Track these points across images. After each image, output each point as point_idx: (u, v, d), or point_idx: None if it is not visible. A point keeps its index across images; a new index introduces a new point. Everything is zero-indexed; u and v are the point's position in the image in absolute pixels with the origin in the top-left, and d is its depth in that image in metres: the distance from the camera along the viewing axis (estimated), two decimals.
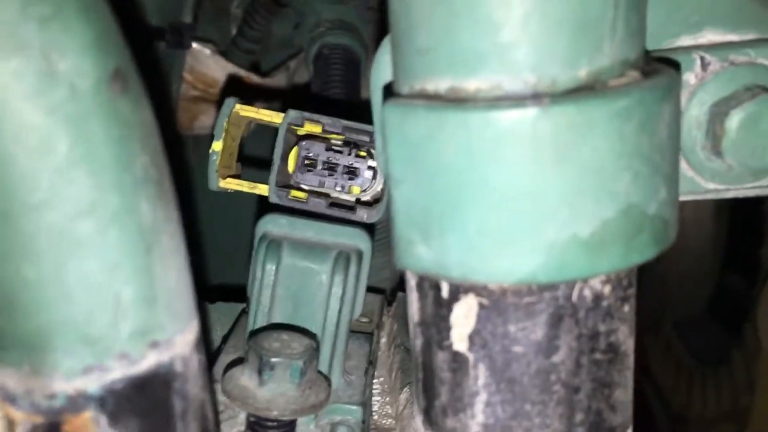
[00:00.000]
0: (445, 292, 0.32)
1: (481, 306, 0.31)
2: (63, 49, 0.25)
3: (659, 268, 1.51)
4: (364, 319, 0.61)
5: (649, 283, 1.54)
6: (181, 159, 0.99)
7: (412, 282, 0.34)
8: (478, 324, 0.32)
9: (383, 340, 0.65)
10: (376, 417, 0.59)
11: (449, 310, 0.32)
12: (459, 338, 0.32)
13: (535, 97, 0.28)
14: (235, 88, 0.97)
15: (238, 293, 0.61)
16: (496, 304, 0.31)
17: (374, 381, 0.60)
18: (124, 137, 0.27)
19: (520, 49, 0.28)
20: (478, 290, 0.31)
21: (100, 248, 0.27)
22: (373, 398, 0.60)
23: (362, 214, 0.52)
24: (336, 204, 0.53)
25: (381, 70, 0.34)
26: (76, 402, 0.28)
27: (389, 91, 0.33)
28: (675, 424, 1.50)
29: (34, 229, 0.26)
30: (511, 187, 0.28)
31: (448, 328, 0.33)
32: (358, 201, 0.53)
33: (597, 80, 0.28)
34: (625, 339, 0.33)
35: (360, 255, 0.50)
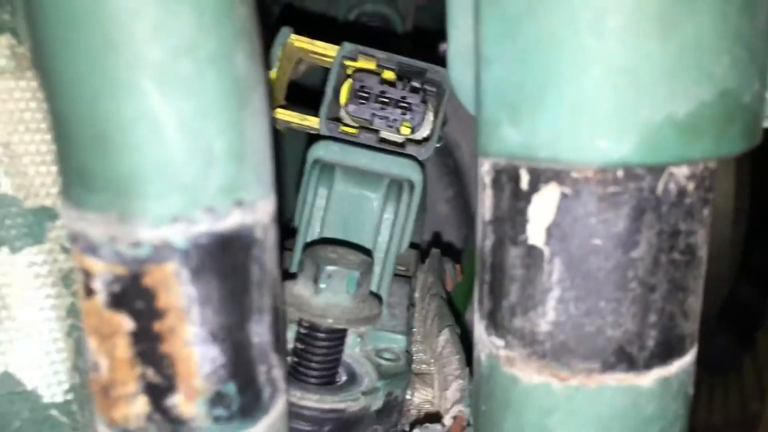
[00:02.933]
0: (524, 183, 0.32)
1: (563, 195, 0.31)
2: None
3: None
4: (402, 268, 0.61)
5: None
6: None
7: (486, 179, 0.34)
8: (558, 215, 0.31)
9: (416, 294, 0.65)
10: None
11: (528, 201, 0.32)
12: (536, 231, 0.32)
13: None
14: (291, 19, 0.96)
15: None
16: (579, 193, 0.31)
17: None
18: None
19: None
20: (561, 178, 0.31)
21: (198, 91, 0.26)
22: None
23: (412, 150, 0.52)
24: (385, 140, 0.53)
25: None
26: (161, 252, 0.27)
27: None
28: None
29: (135, 63, 0.25)
30: (610, 61, 0.28)
31: (525, 222, 0.32)
32: (408, 140, 0.53)
33: None
34: (702, 244, 0.33)
35: (411, 185, 0.50)
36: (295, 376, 0.43)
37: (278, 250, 0.32)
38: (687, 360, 0.34)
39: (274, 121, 0.33)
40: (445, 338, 0.53)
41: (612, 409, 0.33)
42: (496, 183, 0.33)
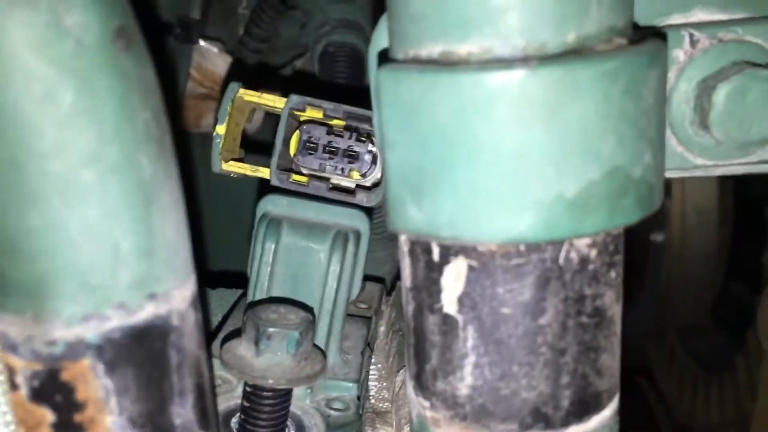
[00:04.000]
0: (436, 255, 0.33)
1: (471, 268, 0.32)
2: (70, 4, 0.26)
3: (663, 275, 1.51)
4: (364, 305, 0.62)
5: (652, 290, 1.55)
6: (186, 156, 1.01)
7: (404, 248, 0.35)
8: (468, 286, 0.32)
9: (381, 328, 0.66)
10: (373, 401, 0.59)
11: (440, 273, 0.33)
12: (449, 301, 0.33)
13: (524, 60, 0.29)
14: (239, 75, 0.98)
15: (240, 280, 0.62)
16: (485, 266, 0.32)
17: (372, 367, 0.61)
18: (127, 92, 0.28)
19: (510, 14, 0.29)
20: (468, 252, 0.32)
21: (102, 198, 0.28)
22: (371, 383, 0.60)
23: (362, 198, 0.53)
24: (336, 188, 0.54)
25: (378, 39, 0.35)
26: (75, 349, 0.29)
27: (384, 57, 0.34)
28: None
29: (39, 177, 0.27)
30: (500, 147, 0.29)
31: (439, 291, 0.33)
32: (358, 186, 0.54)
33: (584, 45, 0.29)
34: (612, 305, 0.34)
35: (358, 235, 0.51)
36: None
37: (200, 329, 0.33)
38: (606, 414, 0.35)
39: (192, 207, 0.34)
40: (401, 379, 0.54)
41: None
42: (412, 254, 0.34)
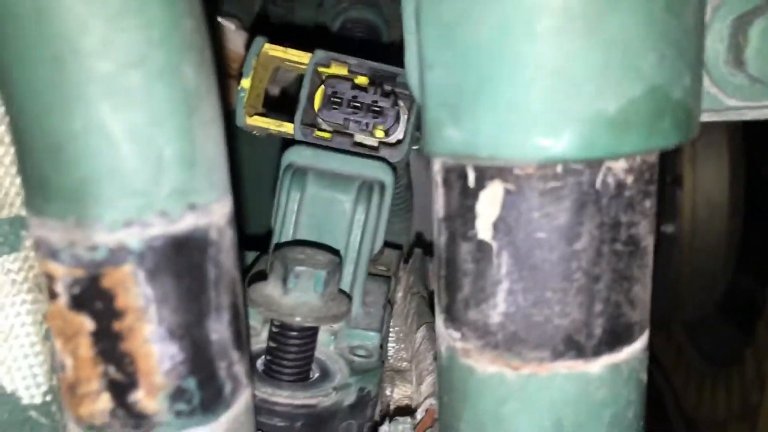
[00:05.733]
0: (471, 180, 0.33)
1: (507, 192, 0.32)
2: None
3: (672, 267, 1.51)
4: (383, 268, 0.62)
5: (660, 283, 1.54)
6: None
7: (438, 177, 0.35)
8: (503, 211, 0.32)
9: (399, 294, 0.66)
10: (392, 360, 0.59)
11: (475, 198, 0.33)
12: (484, 227, 0.33)
13: None
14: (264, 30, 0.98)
15: (259, 243, 0.62)
16: (522, 189, 0.32)
17: (390, 329, 0.61)
18: None
19: None
20: (504, 175, 0.32)
21: (147, 102, 0.28)
22: (389, 344, 0.60)
23: (385, 153, 0.53)
24: (359, 144, 0.54)
25: None
26: (117, 255, 0.29)
27: None
28: (688, 427, 1.50)
29: (84, 77, 0.27)
30: (541, 62, 0.29)
31: (473, 218, 0.33)
32: (381, 143, 0.54)
33: None
34: (646, 234, 0.34)
35: (383, 187, 0.51)
36: (268, 373, 0.45)
37: (237, 250, 0.33)
38: (637, 347, 0.35)
39: (231, 127, 0.34)
40: (421, 335, 0.54)
41: (563, 395, 0.34)
42: (447, 181, 0.35)
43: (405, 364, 0.58)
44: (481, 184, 0.33)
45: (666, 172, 1.46)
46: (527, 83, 0.29)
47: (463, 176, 0.33)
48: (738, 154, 1.44)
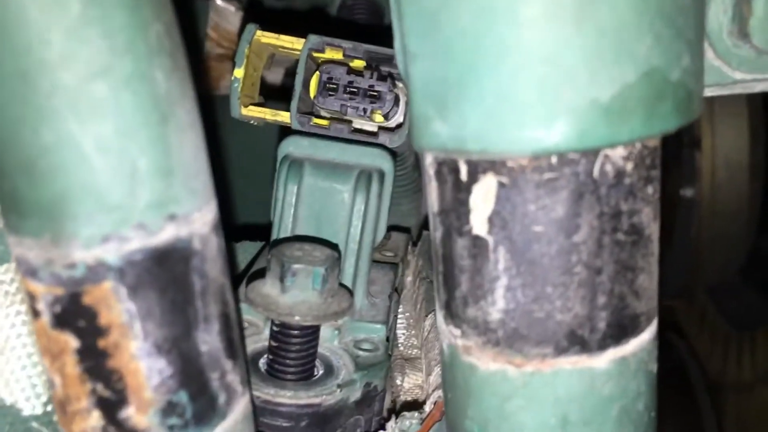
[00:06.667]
0: (463, 174, 0.32)
1: (501, 185, 0.31)
2: None
3: (693, 231, 1.49)
4: (390, 253, 0.61)
5: (681, 248, 1.52)
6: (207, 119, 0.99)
7: (430, 171, 0.34)
8: (498, 204, 0.31)
9: (408, 278, 0.65)
10: (401, 348, 0.59)
11: (468, 192, 0.32)
12: (479, 221, 0.32)
13: None
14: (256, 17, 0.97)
15: (264, 233, 0.61)
16: (516, 181, 0.31)
17: (399, 316, 0.60)
18: (137, 3, 0.27)
19: None
20: (497, 168, 0.31)
21: (116, 112, 0.27)
22: (399, 331, 0.60)
23: (385, 139, 0.52)
24: (358, 130, 0.53)
25: None
26: (96, 271, 0.28)
27: None
28: (712, 391, 1.48)
29: (49, 89, 0.26)
30: (528, 49, 0.27)
31: (468, 212, 0.32)
32: (380, 128, 0.53)
33: None
34: (649, 222, 0.32)
35: (382, 175, 0.50)
36: (271, 373, 0.44)
37: (224, 256, 0.32)
38: (645, 338, 0.34)
39: (211, 128, 0.33)
40: (430, 323, 0.53)
41: (569, 391, 0.33)
42: (439, 175, 0.33)
43: (416, 351, 0.57)
44: (473, 177, 0.31)
45: (683, 135, 1.43)
46: (514, 72, 0.28)
47: (455, 170, 0.32)
48: (758, 114, 1.40)
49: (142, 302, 0.29)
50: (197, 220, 0.30)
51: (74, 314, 0.28)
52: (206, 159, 0.31)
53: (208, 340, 0.31)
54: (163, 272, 0.29)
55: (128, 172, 0.27)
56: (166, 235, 0.29)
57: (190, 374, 0.30)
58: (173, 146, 0.28)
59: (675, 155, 1.40)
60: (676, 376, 1.39)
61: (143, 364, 0.29)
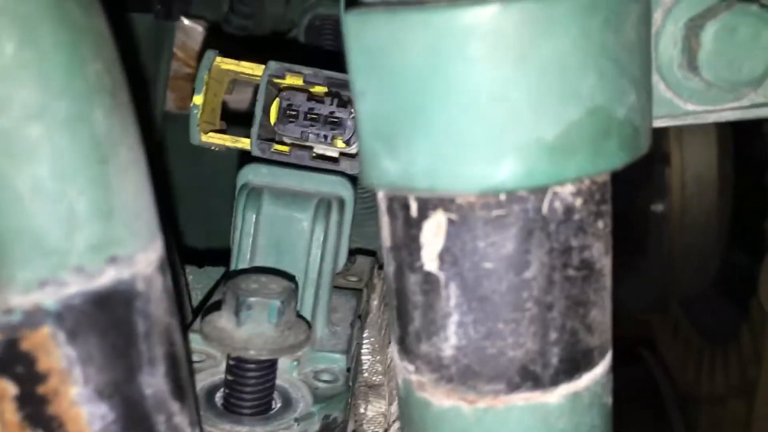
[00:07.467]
0: (413, 210, 0.31)
1: (450, 222, 0.31)
2: None
3: (665, 246, 1.50)
4: (354, 278, 0.61)
5: (654, 261, 1.53)
6: (173, 139, 0.98)
7: (382, 206, 0.34)
8: (448, 241, 0.31)
9: (374, 302, 0.65)
10: (366, 375, 0.58)
11: (419, 228, 0.32)
12: (429, 258, 0.32)
13: None
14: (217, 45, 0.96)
15: (227, 258, 0.61)
16: (465, 218, 0.30)
17: (364, 341, 0.59)
18: (75, 42, 0.26)
19: None
20: (446, 205, 0.30)
21: (51, 155, 0.26)
22: (363, 357, 0.59)
23: (346, 166, 0.52)
24: (319, 156, 0.52)
25: None
26: (34, 317, 0.27)
27: (352, 2, 0.32)
28: (684, 404, 1.49)
29: None
30: (474, 88, 0.27)
31: (419, 249, 0.32)
32: (341, 154, 0.52)
33: None
34: (600, 257, 0.32)
35: (342, 203, 0.50)
36: (227, 407, 0.43)
37: (170, 295, 0.32)
38: (598, 371, 0.34)
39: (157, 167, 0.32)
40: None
41: (522, 428, 0.33)
42: (390, 210, 0.33)
43: (380, 378, 0.57)
44: (423, 214, 0.31)
45: (653, 151, 1.44)
46: (462, 111, 0.28)
47: (406, 206, 0.32)
48: (725, 128, 1.42)
49: (82, 347, 0.28)
50: (141, 260, 0.29)
51: (12, 360, 0.28)
52: (150, 197, 0.30)
53: (153, 383, 0.30)
54: (104, 316, 0.28)
55: (65, 215, 0.27)
56: (107, 278, 0.28)
57: (134, 419, 0.30)
58: (114, 187, 0.28)
59: (645, 171, 1.41)
60: (648, 390, 1.40)
61: (84, 410, 0.28)
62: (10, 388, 0.28)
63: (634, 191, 1.45)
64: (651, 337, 1.61)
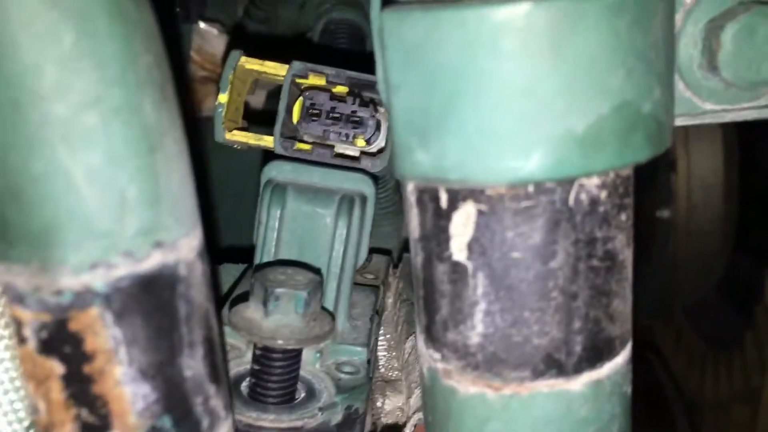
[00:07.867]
0: (443, 201, 0.33)
1: (480, 212, 0.32)
2: None
3: (670, 252, 1.51)
4: (371, 276, 0.62)
5: (659, 268, 1.54)
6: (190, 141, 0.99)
7: (411, 198, 0.35)
8: (477, 231, 0.32)
9: (389, 300, 0.66)
10: (382, 370, 0.59)
11: (448, 219, 0.33)
12: (458, 248, 0.33)
13: None
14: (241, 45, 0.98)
15: (246, 255, 0.62)
16: (494, 209, 0.31)
17: (380, 338, 0.60)
18: (128, 35, 0.27)
19: None
20: (476, 196, 0.32)
21: (105, 142, 0.27)
22: (380, 353, 0.60)
23: (366, 164, 0.53)
24: (340, 155, 0.54)
25: None
26: (83, 298, 0.28)
27: (386, 1, 0.33)
28: (689, 410, 1.50)
29: (40, 120, 0.26)
30: (507, 83, 0.28)
31: (448, 239, 0.33)
32: (362, 153, 0.54)
33: None
34: (623, 248, 0.33)
35: (364, 199, 0.51)
36: (253, 396, 0.44)
37: (209, 282, 0.33)
38: (619, 361, 0.35)
39: (196, 156, 0.33)
40: (411, 345, 0.54)
41: (546, 414, 0.34)
42: (420, 202, 0.34)
43: (396, 373, 0.58)
44: (453, 205, 0.32)
45: (659, 158, 1.45)
46: (494, 104, 0.29)
47: (436, 198, 0.33)
48: (731, 136, 1.43)
49: (128, 328, 0.29)
50: (183, 246, 0.30)
51: (61, 340, 0.29)
52: (192, 187, 0.31)
53: (193, 366, 0.31)
54: (149, 298, 0.29)
55: (117, 201, 0.28)
56: (153, 261, 0.29)
57: (175, 399, 0.31)
58: (161, 175, 0.29)
59: (651, 178, 1.42)
60: (654, 395, 1.40)
61: (128, 390, 0.30)
62: (58, 368, 0.29)
63: (640, 197, 1.46)
64: (655, 342, 1.62)
